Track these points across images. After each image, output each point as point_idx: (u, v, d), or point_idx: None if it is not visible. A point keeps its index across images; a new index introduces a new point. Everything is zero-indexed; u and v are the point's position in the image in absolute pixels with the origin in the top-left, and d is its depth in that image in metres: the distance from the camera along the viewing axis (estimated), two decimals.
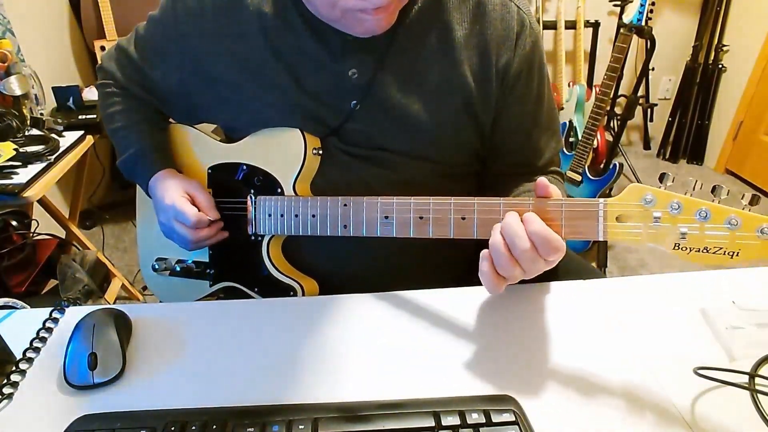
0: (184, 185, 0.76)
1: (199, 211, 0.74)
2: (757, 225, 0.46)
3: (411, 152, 0.72)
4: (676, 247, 0.50)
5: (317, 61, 0.69)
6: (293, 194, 0.72)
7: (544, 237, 0.52)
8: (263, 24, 0.69)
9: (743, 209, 0.47)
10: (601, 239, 0.53)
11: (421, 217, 0.61)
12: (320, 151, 0.72)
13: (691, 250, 0.49)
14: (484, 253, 0.55)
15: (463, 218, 0.59)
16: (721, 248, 0.48)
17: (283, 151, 0.72)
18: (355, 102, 0.69)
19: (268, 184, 0.73)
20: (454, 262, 0.83)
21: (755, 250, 0.47)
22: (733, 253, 0.48)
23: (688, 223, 0.49)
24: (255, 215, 0.75)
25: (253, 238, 0.75)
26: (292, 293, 0.74)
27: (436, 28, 0.68)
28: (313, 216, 0.68)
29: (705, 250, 0.49)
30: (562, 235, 0.54)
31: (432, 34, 0.68)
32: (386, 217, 0.63)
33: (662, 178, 0.51)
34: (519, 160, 0.76)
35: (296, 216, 0.70)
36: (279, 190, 0.73)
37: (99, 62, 0.86)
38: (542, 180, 0.57)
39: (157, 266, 0.84)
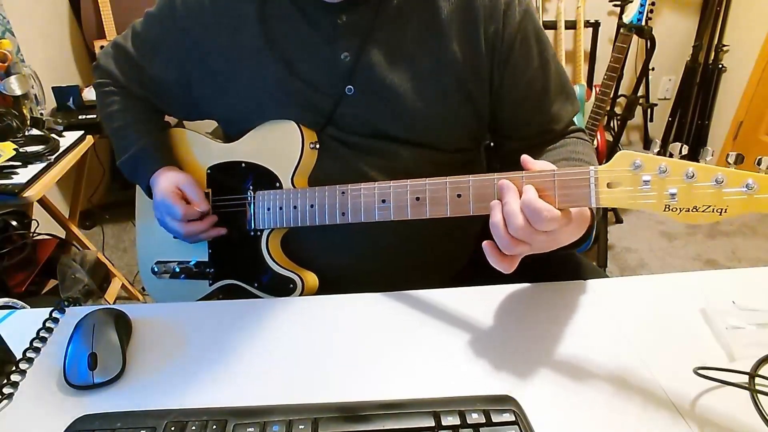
0: (176, 180, 0.77)
1: (189, 204, 0.75)
2: (742, 180, 0.47)
3: (407, 138, 0.72)
4: (667, 209, 0.51)
5: (310, 46, 0.70)
6: (292, 188, 0.72)
7: (533, 207, 0.52)
8: (258, 13, 0.70)
9: (729, 168, 0.48)
10: (593, 206, 0.54)
11: (417, 198, 0.62)
12: (317, 146, 0.73)
13: (681, 210, 0.50)
14: (486, 243, 0.56)
15: (459, 195, 0.60)
16: (709, 206, 0.49)
17: (280, 147, 0.72)
18: (350, 87, 0.70)
19: (267, 180, 0.74)
20: (453, 256, 0.83)
21: (742, 205, 0.48)
22: (722, 209, 0.49)
23: (676, 185, 0.50)
24: (254, 210, 0.75)
25: (252, 233, 0.76)
26: (291, 286, 0.74)
27: (423, 8, 0.69)
28: (312, 206, 0.69)
29: (694, 209, 0.49)
30: (555, 205, 0.54)
31: (419, 14, 0.69)
32: (383, 201, 0.64)
33: (649, 145, 0.52)
34: (537, 130, 0.76)
35: (295, 207, 0.71)
36: (278, 185, 0.73)
37: (96, 60, 0.86)
38: (525, 157, 0.58)
39: (156, 269, 0.85)
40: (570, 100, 0.78)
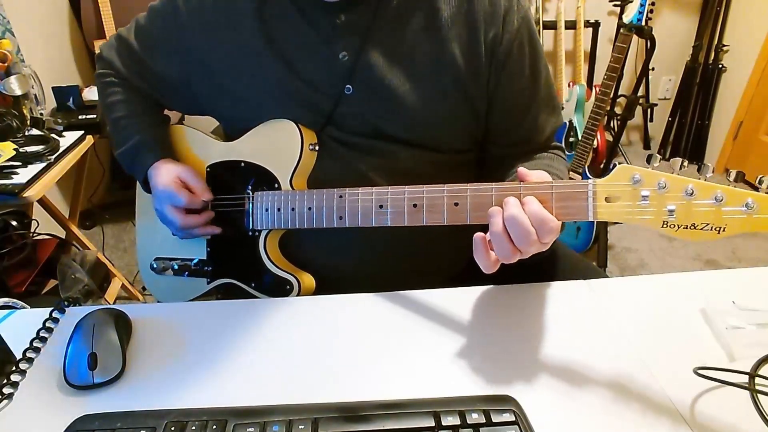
0: (178, 171, 0.77)
1: (192, 194, 0.75)
2: (742, 199, 0.47)
3: (406, 138, 0.72)
4: (665, 225, 0.50)
5: (309, 45, 0.70)
6: (290, 189, 0.72)
7: (541, 217, 0.52)
8: (258, 13, 0.70)
9: (729, 186, 0.48)
10: (591, 219, 0.54)
11: (414, 205, 0.62)
12: (317, 147, 0.73)
13: (679, 227, 0.50)
14: (477, 237, 0.55)
15: (456, 204, 0.60)
16: (708, 224, 0.48)
17: (279, 147, 0.72)
18: (349, 87, 0.70)
19: (266, 180, 0.74)
20: (451, 260, 0.83)
21: (741, 224, 0.47)
22: (720, 228, 0.48)
23: (675, 201, 0.49)
24: (252, 210, 0.75)
25: (250, 233, 0.76)
26: (288, 287, 0.74)
27: (422, 9, 0.69)
28: (309, 209, 0.69)
29: (692, 227, 0.49)
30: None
31: (418, 15, 0.69)
32: (381, 206, 0.64)
33: (649, 159, 0.51)
34: (519, 138, 0.76)
35: (292, 209, 0.71)
36: (276, 186, 0.73)
37: (98, 51, 0.86)
38: (522, 169, 0.58)
39: (155, 266, 0.85)
40: (554, 114, 0.78)
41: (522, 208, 0.54)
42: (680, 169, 0.50)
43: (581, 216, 0.54)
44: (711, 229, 0.49)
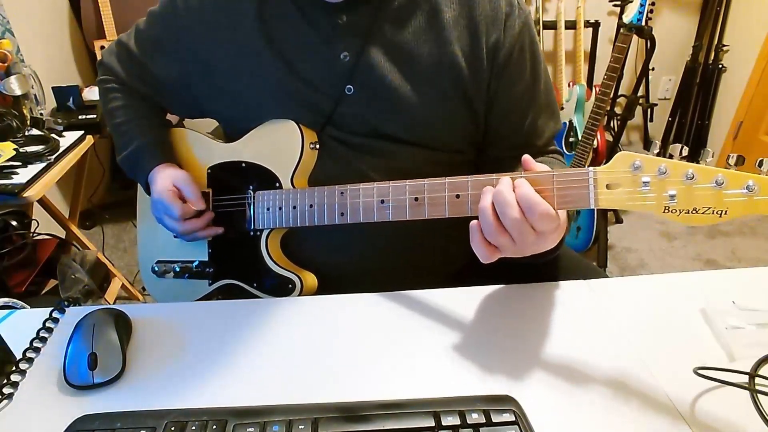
0: (173, 178, 0.77)
1: (186, 203, 0.75)
2: (743, 182, 0.47)
3: (406, 138, 0.72)
4: (666, 210, 0.50)
5: (310, 45, 0.70)
6: (291, 188, 0.72)
7: (531, 200, 0.52)
8: (258, 13, 0.71)
9: (729, 169, 0.48)
10: (592, 207, 0.53)
11: (416, 199, 0.62)
12: (317, 146, 0.73)
13: (680, 212, 0.49)
14: (473, 223, 0.55)
15: (458, 196, 0.60)
16: (709, 208, 0.48)
17: (280, 147, 0.72)
18: (349, 87, 0.70)
19: (267, 180, 0.74)
20: (452, 256, 0.83)
21: (742, 207, 0.47)
22: (722, 211, 0.48)
23: (676, 186, 0.49)
24: (254, 210, 0.75)
25: (252, 233, 0.76)
26: (290, 286, 0.74)
27: (424, 10, 0.69)
28: (311, 206, 0.69)
29: (694, 211, 0.49)
30: (554, 206, 0.54)
31: (420, 16, 0.69)
32: (382, 201, 0.64)
33: (649, 146, 0.51)
34: (518, 142, 0.76)
35: (294, 208, 0.71)
36: (277, 185, 0.73)
37: (99, 58, 0.86)
38: (527, 157, 0.58)
39: (156, 269, 0.85)
40: (553, 118, 0.78)
41: (512, 189, 0.53)
42: (680, 155, 0.49)
43: (582, 203, 0.54)
44: (713, 213, 0.48)
